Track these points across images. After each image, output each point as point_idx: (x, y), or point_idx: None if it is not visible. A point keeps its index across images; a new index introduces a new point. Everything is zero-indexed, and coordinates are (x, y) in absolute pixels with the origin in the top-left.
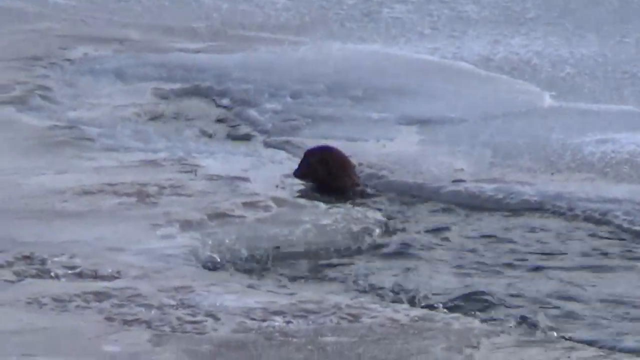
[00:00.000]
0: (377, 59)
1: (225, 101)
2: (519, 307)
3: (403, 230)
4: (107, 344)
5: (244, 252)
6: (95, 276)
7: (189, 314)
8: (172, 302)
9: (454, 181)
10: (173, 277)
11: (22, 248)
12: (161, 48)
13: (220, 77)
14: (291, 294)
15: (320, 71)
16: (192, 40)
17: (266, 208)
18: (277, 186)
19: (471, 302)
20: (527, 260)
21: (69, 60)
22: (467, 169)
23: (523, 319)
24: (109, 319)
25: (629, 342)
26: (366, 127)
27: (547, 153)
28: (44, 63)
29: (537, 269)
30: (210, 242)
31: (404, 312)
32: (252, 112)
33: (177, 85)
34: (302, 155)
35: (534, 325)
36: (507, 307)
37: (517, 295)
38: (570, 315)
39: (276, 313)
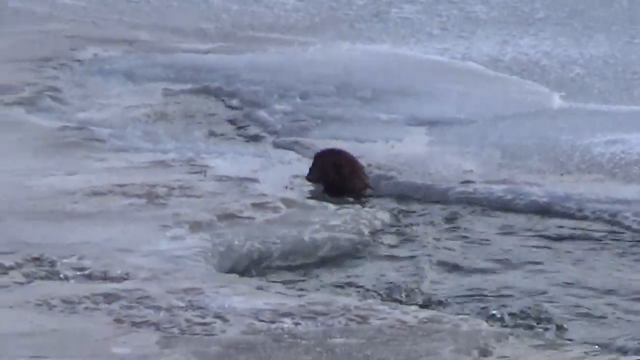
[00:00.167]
0: (386, 59)
1: (234, 102)
2: (528, 308)
3: (412, 231)
4: (116, 345)
5: (253, 254)
6: (105, 278)
7: (198, 316)
8: (181, 304)
9: (462, 182)
10: (182, 279)
11: (32, 249)
12: (171, 49)
13: (229, 77)
14: (300, 296)
15: (329, 72)
16: (201, 41)
17: (275, 209)
18: (286, 187)
19: (480, 304)
20: (536, 261)
21: (78, 61)
22: (476, 170)
23: (532, 321)
24: (118, 320)
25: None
26: (375, 127)
27: (556, 154)
28: (53, 64)
29: (546, 270)
30: (219, 243)
31: (412, 314)
32: (262, 113)
33: (186, 86)
34: (311, 156)
35: (543, 327)
36: (515, 308)
37: (527, 297)
38: (580, 317)
39: (285, 315)
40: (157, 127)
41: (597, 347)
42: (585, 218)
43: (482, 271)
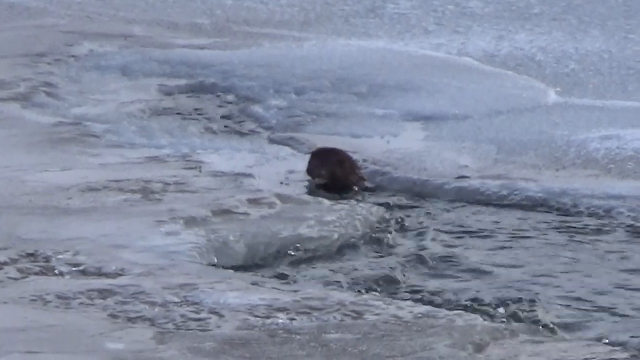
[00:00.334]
0: (382, 55)
1: (229, 97)
2: (522, 304)
3: (407, 226)
4: (111, 341)
5: (248, 249)
6: (99, 273)
7: (192, 311)
8: (176, 299)
9: (458, 177)
10: (177, 275)
11: (26, 245)
12: (166, 44)
13: (224, 73)
14: (295, 291)
15: (324, 67)
16: (196, 37)
17: (270, 205)
18: (281, 183)
19: (474, 299)
20: (531, 257)
21: (73, 56)
22: (471, 165)
23: (527, 316)
24: (113, 316)
25: (636, 338)
26: (370, 123)
27: (551, 149)
28: (48, 59)
29: (541, 265)
30: (214, 239)
31: (407, 309)
32: (257, 109)
33: (181, 82)
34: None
35: (537, 323)
36: (510, 304)
37: (521, 292)
38: (574, 313)
39: (280, 310)
40: (152, 122)
41: (591, 342)
42: (580, 213)
43: (477, 266)
